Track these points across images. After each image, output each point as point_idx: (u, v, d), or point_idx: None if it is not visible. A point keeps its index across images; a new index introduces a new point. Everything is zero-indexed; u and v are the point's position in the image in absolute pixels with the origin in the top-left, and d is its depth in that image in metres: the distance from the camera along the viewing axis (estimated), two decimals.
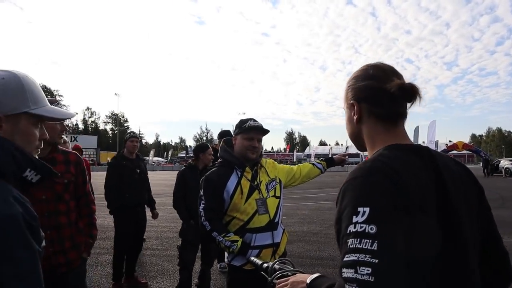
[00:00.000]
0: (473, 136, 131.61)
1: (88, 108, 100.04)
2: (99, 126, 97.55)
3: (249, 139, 2.36)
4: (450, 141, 58.51)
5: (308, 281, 1.09)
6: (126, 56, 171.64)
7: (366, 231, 0.79)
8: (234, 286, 2.31)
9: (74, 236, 2.31)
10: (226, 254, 2.36)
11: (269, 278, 1.31)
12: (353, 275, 0.77)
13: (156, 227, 8.43)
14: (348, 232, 0.82)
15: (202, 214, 2.31)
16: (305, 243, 6.81)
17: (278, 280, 1.23)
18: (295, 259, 5.49)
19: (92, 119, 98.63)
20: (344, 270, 0.79)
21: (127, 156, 4.61)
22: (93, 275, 5.03)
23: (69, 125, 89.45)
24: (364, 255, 0.77)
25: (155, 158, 79.01)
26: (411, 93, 1.00)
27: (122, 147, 4.75)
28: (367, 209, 0.81)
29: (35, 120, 1.12)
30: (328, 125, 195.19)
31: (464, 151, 46.01)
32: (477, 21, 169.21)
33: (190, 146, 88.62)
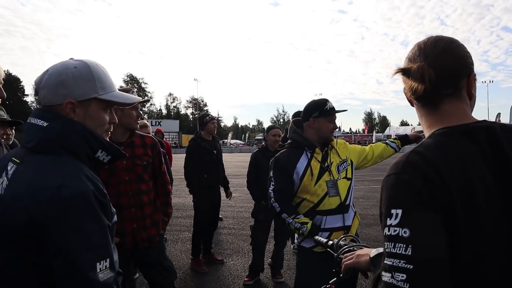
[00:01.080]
0: None
1: (170, 94, 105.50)
2: (181, 111, 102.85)
3: (332, 122, 2.33)
4: None
5: (371, 254, 1.07)
6: (204, 43, 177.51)
7: (400, 235, 0.76)
8: (304, 268, 2.30)
9: (154, 213, 2.47)
10: (296, 235, 2.35)
11: (335, 254, 1.30)
12: (389, 280, 0.76)
13: (233, 207, 8.74)
14: (384, 234, 0.80)
15: (272, 195, 2.33)
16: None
17: (345, 255, 1.23)
18: (371, 243, 5.32)
19: (174, 104, 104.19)
20: (383, 273, 0.78)
21: (204, 138, 4.77)
22: (174, 250, 5.40)
23: (154, 110, 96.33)
24: (398, 260, 0.75)
25: (233, 141, 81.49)
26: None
27: (200, 129, 4.91)
28: (399, 211, 0.77)
29: (104, 105, 1.20)
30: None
31: None
32: None
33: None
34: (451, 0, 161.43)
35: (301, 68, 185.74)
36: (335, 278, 1.27)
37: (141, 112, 2.47)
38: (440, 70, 0.92)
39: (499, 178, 0.82)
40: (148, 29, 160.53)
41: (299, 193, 2.30)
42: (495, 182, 0.81)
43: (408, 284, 0.72)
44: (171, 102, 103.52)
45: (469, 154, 0.83)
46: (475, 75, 0.97)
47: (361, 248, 1.22)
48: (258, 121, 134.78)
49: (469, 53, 0.98)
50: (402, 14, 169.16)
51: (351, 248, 1.27)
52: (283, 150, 2.44)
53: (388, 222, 0.79)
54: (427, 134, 0.96)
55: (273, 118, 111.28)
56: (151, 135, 2.69)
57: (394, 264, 0.75)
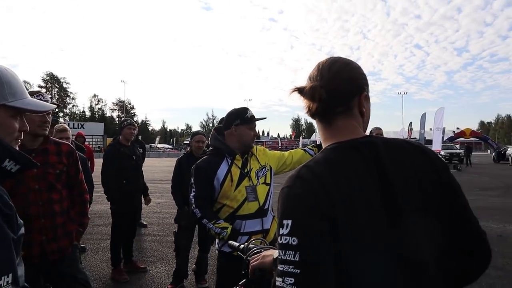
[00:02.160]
0: (482, 123, 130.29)
1: (95, 95, 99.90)
2: (106, 113, 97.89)
3: (252, 129, 2.41)
4: (458, 128, 58.10)
5: (275, 255, 1.13)
6: (133, 43, 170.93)
7: (290, 243, 0.83)
8: (223, 272, 2.33)
9: (66, 224, 2.35)
10: (216, 240, 2.38)
11: (244, 256, 1.35)
12: (281, 284, 0.83)
13: (158, 213, 8.54)
14: (277, 242, 0.87)
15: (193, 201, 2.34)
16: None
17: (252, 256, 1.29)
18: None
19: (99, 106, 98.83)
20: (276, 278, 0.85)
21: (123, 143, 4.63)
22: (94, 260, 5.13)
23: (76, 112, 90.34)
24: (288, 266, 0.82)
25: (161, 145, 79.44)
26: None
27: (119, 134, 4.75)
28: (289, 222, 0.85)
29: (13, 112, 1.13)
30: None
31: (472, 139, 45.64)
32: (490, 5, 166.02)
33: None
34: (373, 16, 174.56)
35: (232, 73, 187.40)
36: (244, 280, 1.33)
37: (51, 117, 2.33)
38: (332, 90, 1.00)
39: (379, 189, 0.91)
40: (71, 25, 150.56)
41: (219, 198, 2.34)
42: (376, 193, 0.90)
43: (295, 287, 0.80)
44: (96, 104, 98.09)
45: (354, 167, 0.92)
46: (366, 94, 1.06)
47: (267, 250, 1.28)
48: (187, 125, 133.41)
49: (363, 74, 1.08)
50: (329, 27, 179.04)
51: (259, 250, 1.33)
52: (204, 157, 2.47)
53: (281, 231, 0.86)
54: (323, 147, 1.04)
55: (202, 123, 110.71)
56: (67, 142, 2.55)
57: (284, 269, 0.82)
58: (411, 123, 33.89)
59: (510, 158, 30.07)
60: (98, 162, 7.62)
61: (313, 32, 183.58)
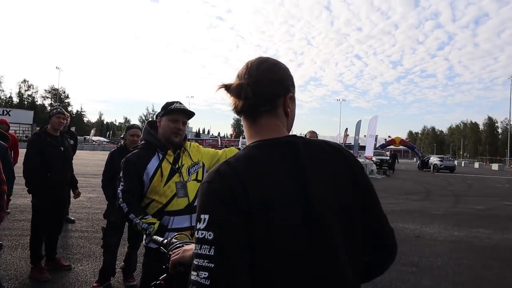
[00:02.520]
0: (410, 133, 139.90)
1: (25, 81, 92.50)
2: (37, 101, 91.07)
3: (174, 121, 2.34)
4: (389, 136, 61.84)
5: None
6: (71, 29, 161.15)
7: (205, 237, 0.84)
8: (149, 269, 2.29)
9: None
10: (144, 236, 2.34)
11: (166, 251, 1.34)
12: (195, 278, 0.83)
13: (88, 209, 8.16)
14: (195, 237, 0.87)
15: (120, 196, 2.29)
16: None
17: (174, 251, 1.28)
18: None
19: (29, 92, 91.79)
20: (192, 272, 0.85)
21: (50, 133, 4.34)
22: (11, 257, 4.77)
23: (2, 97, 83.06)
24: (203, 260, 0.83)
25: (96, 138, 75.71)
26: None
27: (47, 123, 4.45)
28: (207, 216, 0.85)
29: None
30: None
31: (401, 147, 48.86)
32: (423, 25, 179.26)
33: None
34: (317, 23, 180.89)
35: (175, 68, 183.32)
36: (165, 275, 1.31)
37: None
38: (258, 89, 1.02)
39: (297, 188, 0.93)
40: (2, 3, 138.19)
41: (148, 194, 2.30)
42: (293, 192, 0.92)
43: (208, 281, 0.80)
44: (25, 90, 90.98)
45: (273, 165, 0.95)
46: (292, 95, 1.08)
47: (189, 244, 1.27)
48: (126, 118, 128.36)
49: (290, 75, 1.10)
50: (275, 29, 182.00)
51: (181, 244, 1.32)
52: (135, 151, 2.41)
53: (198, 226, 0.86)
54: (247, 144, 1.06)
55: (142, 117, 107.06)
56: None
57: (199, 263, 0.83)
58: (346, 129, 35.47)
59: (432, 166, 32.80)
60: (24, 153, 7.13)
61: (259, 33, 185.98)
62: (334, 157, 1.05)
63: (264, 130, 1.03)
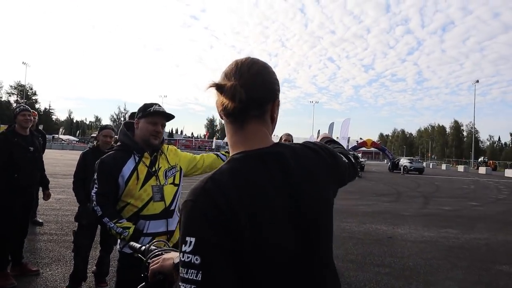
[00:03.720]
0: (381, 135, 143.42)
1: None
2: (1, 97, 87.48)
3: (153, 124, 2.29)
4: (361, 138, 62.99)
5: (175, 260, 1.11)
6: (40, 23, 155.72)
7: (192, 261, 0.80)
8: (123, 275, 2.24)
9: None
10: (118, 240, 2.27)
11: (144, 259, 1.30)
12: None
13: (58, 211, 7.89)
14: (179, 259, 0.83)
15: (94, 198, 2.22)
16: None
17: (153, 259, 1.24)
18: None
19: None
20: None
21: (19, 132, 4.16)
22: None
23: None
24: (190, 285, 0.80)
25: (66, 136, 73.50)
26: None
27: (14, 121, 4.26)
28: (193, 239, 0.81)
29: None
30: None
31: (372, 149, 49.97)
32: (394, 30, 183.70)
33: None
34: (292, 26, 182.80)
35: (148, 67, 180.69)
36: (143, 283, 1.28)
37: None
38: (250, 92, 0.95)
39: (289, 200, 0.91)
40: None
41: (123, 197, 2.24)
42: (284, 205, 0.90)
43: None
44: None
45: (260, 179, 0.90)
46: (279, 101, 1.06)
47: (169, 253, 1.25)
48: (97, 117, 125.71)
49: (277, 80, 1.06)
50: (250, 30, 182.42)
51: (160, 252, 1.28)
52: (110, 153, 2.35)
53: (183, 248, 0.82)
54: (230, 153, 1.01)
55: (113, 116, 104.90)
56: None
57: None
58: (319, 131, 36.18)
59: (401, 168, 33.72)
60: None
61: (234, 34, 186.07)
62: (319, 165, 1.05)
63: (249, 139, 0.98)
